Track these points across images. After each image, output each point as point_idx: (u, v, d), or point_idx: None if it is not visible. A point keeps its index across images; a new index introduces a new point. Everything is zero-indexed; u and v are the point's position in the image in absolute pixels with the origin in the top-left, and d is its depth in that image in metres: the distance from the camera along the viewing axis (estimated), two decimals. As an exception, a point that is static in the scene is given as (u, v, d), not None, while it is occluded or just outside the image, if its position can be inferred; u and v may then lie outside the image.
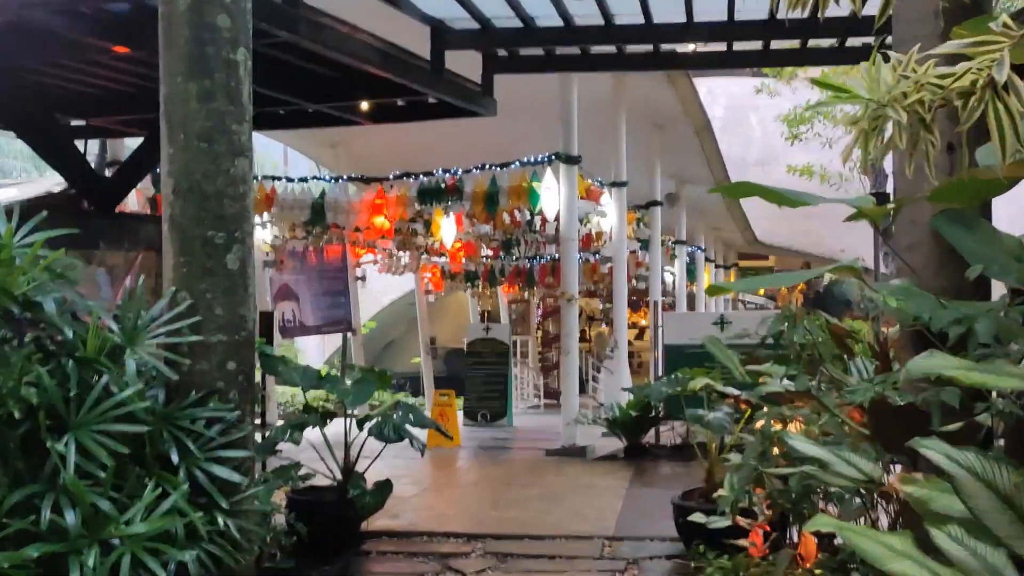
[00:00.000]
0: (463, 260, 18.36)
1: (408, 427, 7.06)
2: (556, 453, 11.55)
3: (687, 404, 8.36)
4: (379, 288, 33.68)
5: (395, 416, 7.16)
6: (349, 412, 7.34)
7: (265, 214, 12.31)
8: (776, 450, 5.27)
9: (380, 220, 12.09)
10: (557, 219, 11.69)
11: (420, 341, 20.82)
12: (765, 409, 6.11)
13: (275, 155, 34.56)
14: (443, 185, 11.86)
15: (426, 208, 12.00)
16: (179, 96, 4.21)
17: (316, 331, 17.50)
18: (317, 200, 12.04)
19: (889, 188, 24.10)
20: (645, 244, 16.86)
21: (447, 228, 13.80)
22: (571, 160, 11.64)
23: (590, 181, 12.60)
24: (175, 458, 3.91)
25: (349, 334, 18.59)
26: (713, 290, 4.14)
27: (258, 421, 14.51)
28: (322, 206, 12.02)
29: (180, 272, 4.24)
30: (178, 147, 4.23)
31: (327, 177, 12.61)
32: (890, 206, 4.35)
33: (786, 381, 6.38)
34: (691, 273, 21.31)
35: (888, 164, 24.61)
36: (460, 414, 16.43)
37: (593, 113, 13.36)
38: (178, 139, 4.22)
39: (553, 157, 11.64)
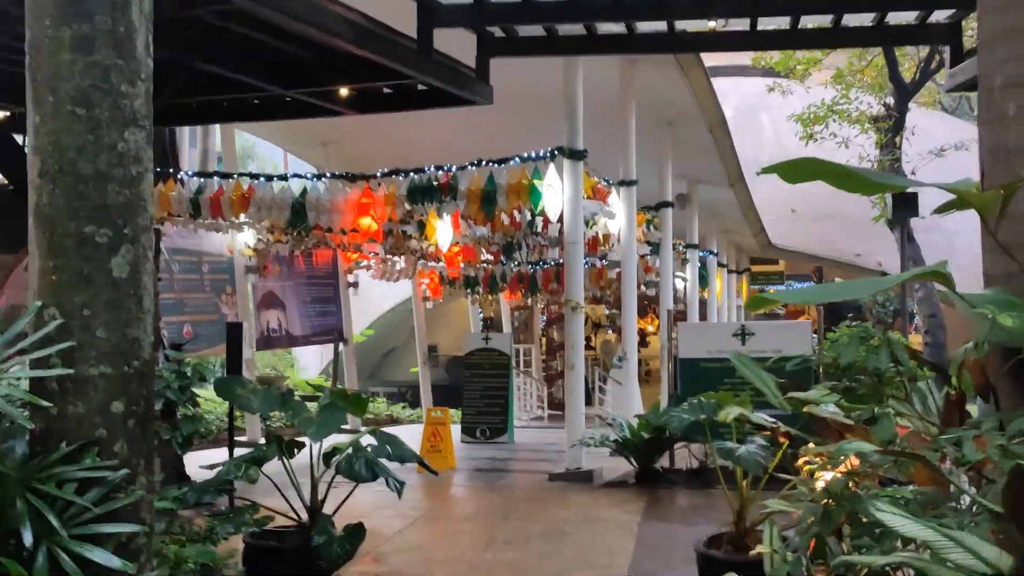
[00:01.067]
0: (461, 265, 17.28)
1: (384, 463, 5.96)
2: (560, 478, 10.45)
3: (710, 427, 7.31)
4: (378, 294, 32.58)
5: (368, 449, 6.07)
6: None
7: (242, 215, 11.23)
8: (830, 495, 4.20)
9: (367, 221, 11.01)
10: (560, 220, 10.59)
11: (417, 350, 19.74)
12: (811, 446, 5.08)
13: (275, 158, 33.45)
14: (436, 183, 10.77)
15: (417, 208, 10.91)
16: (47, 44, 3.14)
17: (304, 341, 16.43)
18: (298, 199, 10.98)
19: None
20: (655, 248, 15.75)
21: (443, 231, 12.71)
22: (576, 155, 10.56)
23: (596, 179, 11.51)
24: (28, 538, 2.83)
25: (340, 345, 17.53)
26: (756, 303, 3.23)
27: (244, 437, 13.35)
28: (303, 206, 10.95)
29: (48, 280, 3.16)
30: (46, 113, 3.15)
31: (309, 175, 11.54)
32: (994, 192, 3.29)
33: (832, 407, 5.34)
34: (702, 279, 20.18)
35: (908, 165, 23.47)
36: (457, 429, 15.36)
37: (600, 108, 12.28)
38: (46, 102, 3.15)
39: (556, 152, 10.55)
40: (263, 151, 38.29)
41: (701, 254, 19.63)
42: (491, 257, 16.87)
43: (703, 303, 21.50)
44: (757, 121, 32.35)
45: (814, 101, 26.88)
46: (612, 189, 12.43)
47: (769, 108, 32.13)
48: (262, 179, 11.44)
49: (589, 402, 20.98)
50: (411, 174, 10.95)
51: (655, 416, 7.60)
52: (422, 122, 14.47)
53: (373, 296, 33.66)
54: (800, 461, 5.30)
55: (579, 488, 9.97)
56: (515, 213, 11.98)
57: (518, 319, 25.52)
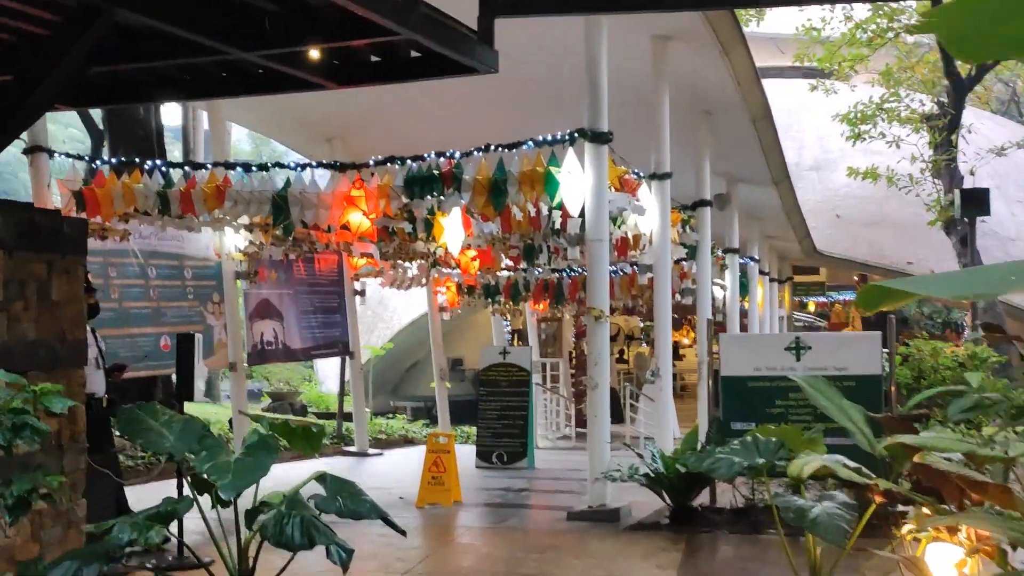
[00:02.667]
0: (478, 273, 15.74)
1: (321, 525, 4.37)
2: (581, 517, 8.87)
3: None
4: (401, 305, 31.13)
5: (312, 503, 4.53)
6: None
7: (216, 211, 9.77)
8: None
9: (357, 217, 9.53)
10: (582, 215, 9.05)
11: (434, 365, 18.22)
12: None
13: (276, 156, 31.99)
14: (436, 172, 9.27)
15: (415, 202, 9.41)
16: None
17: (305, 355, 14.99)
18: (279, 193, 9.51)
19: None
20: (691, 252, 14.12)
21: (451, 230, 11.19)
22: (599, 138, 9.00)
23: (624, 168, 9.94)
24: None
25: (347, 359, 16.06)
26: (872, 297, 2.06)
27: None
28: (285, 200, 9.48)
29: None
30: None
31: (292, 164, 10.05)
32: None
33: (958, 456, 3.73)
34: (742, 287, 18.49)
35: (964, 165, 21.67)
36: (472, 451, 13.81)
37: (628, 92, 10.72)
38: None
39: (576, 135, 9.00)
40: (272, 154, 36.75)
41: (741, 260, 17.95)
42: (511, 263, 15.29)
43: (742, 314, 19.81)
44: (798, 124, 30.68)
45: (861, 100, 25.32)
46: (643, 183, 10.87)
47: (811, 110, 30.52)
48: (239, 169, 9.98)
49: (620, 420, 19.39)
50: (408, 162, 9.44)
51: (696, 459, 6.02)
52: (438, 113, 12.99)
53: (395, 308, 32.31)
54: (905, 530, 3.71)
55: (602, 531, 8.38)
56: (531, 208, 10.45)
57: (545, 331, 23.92)
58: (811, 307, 40.14)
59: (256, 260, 12.62)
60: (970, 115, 25.20)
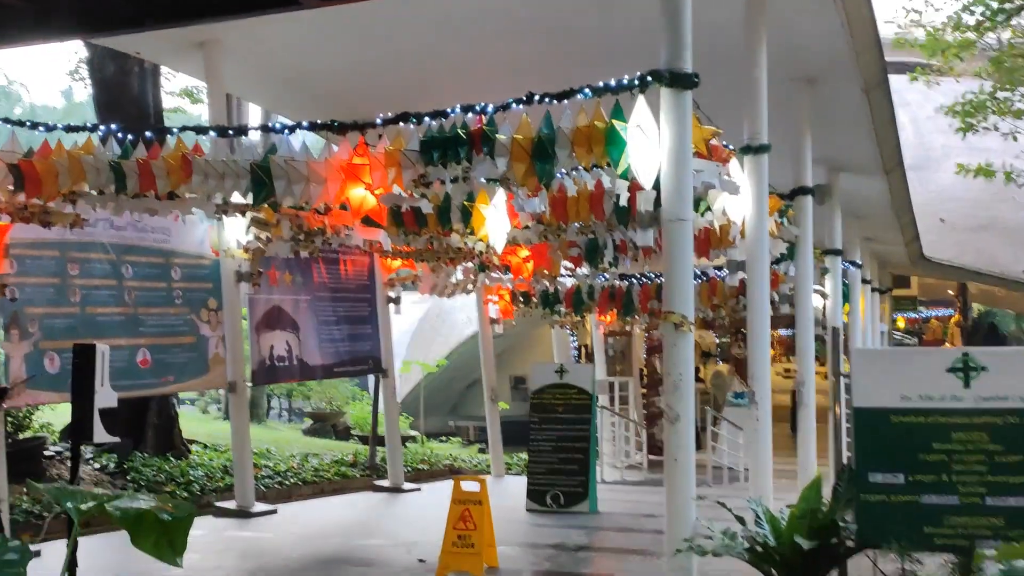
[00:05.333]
0: (532, 276, 13.34)
1: None
2: (656, 599, 6.44)
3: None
4: (461, 317, 28.89)
5: None
6: None
7: (183, 188, 7.54)
8: None
9: (358, 192, 7.25)
10: (657, 188, 6.61)
11: (484, 385, 15.88)
12: None
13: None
14: (462, 132, 6.92)
15: (434, 171, 7.08)
16: None
17: (326, 373, 12.73)
18: (260, 163, 7.25)
19: None
20: (789, 251, 11.55)
21: (494, 220, 8.84)
22: (681, 80, 6.54)
23: (714, 129, 7.46)
24: None
25: (381, 378, 13.77)
26: None
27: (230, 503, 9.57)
28: (267, 171, 7.22)
29: None
30: None
31: (278, 125, 7.73)
32: None
33: None
34: (844, 296, 15.80)
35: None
36: (524, 488, 11.40)
37: (713, 51, 8.20)
38: None
39: (649, 78, 6.55)
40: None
41: (843, 265, 15.28)
42: (571, 264, 12.79)
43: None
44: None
45: (970, 89, 22.69)
46: (733, 155, 8.42)
47: (908, 105, 27.76)
48: (213, 134, 7.76)
49: (699, 446, 16.77)
50: (426, 119, 7.10)
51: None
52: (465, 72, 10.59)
53: (455, 321, 30.07)
54: None
55: (688, 627, 5.94)
56: (586, 178, 8.01)
57: (613, 346, 21.39)
58: (900, 323, 37.08)
59: (257, 257, 10.38)
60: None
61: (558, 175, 10.03)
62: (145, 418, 12.23)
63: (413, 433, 23.81)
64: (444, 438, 25.11)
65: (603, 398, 18.95)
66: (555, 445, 11.37)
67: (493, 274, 14.34)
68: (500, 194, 9.18)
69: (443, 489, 13.71)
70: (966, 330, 34.90)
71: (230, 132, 7.78)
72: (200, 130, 7.84)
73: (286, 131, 7.62)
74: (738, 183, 8.25)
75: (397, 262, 13.31)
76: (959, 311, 36.20)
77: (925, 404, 6.11)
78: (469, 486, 7.69)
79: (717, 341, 26.60)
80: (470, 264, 13.35)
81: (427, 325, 30.63)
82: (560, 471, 11.27)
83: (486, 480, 7.84)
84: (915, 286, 34.75)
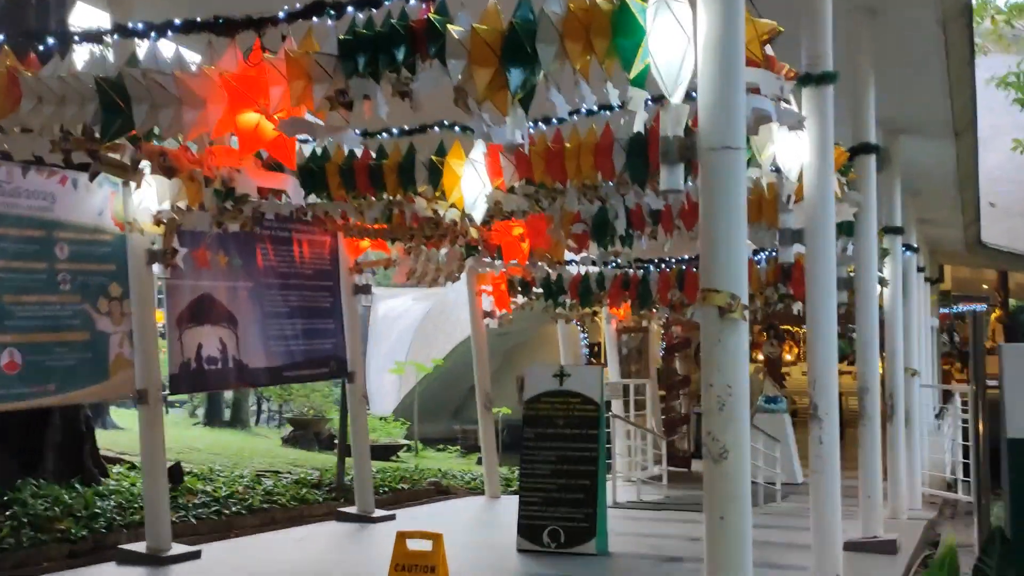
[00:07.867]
0: (528, 260, 10.98)
1: None
2: None
3: None
4: (464, 314, 26.67)
5: None
6: None
7: (11, 117, 5.23)
8: None
9: (251, 117, 4.94)
10: (689, 100, 4.27)
11: (477, 391, 13.56)
12: None
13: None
14: (399, 26, 4.62)
15: (357, 83, 4.75)
16: None
17: (272, 378, 10.40)
18: (112, 79, 4.92)
19: None
20: (847, 226, 9.13)
21: (469, 179, 6.57)
22: (728, -65, 4.21)
23: (771, 24, 5.11)
24: None
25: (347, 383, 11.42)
26: None
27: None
28: (122, 89, 4.91)
29: None
30: None
31: (139, 25, 5.37)
32: None
33: None
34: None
35: None
36: (512, 523, 9.05)
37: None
38: None
39: (679, -61, 4.20)
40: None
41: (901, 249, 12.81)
42: (575, 245, 10.37)
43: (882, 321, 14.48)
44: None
45: (1021, 60, 20.46)
46: (796, 76, 6.07)
47: (951, 80, 25.23)
48: (53, 43, 5.42)
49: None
50: (348, 9, 4.79)
51: None
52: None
53: (458, 317, 27.76)
54: None
55: None
56: (586, 93, 5.66)
57: (627, 344, 18.96)
58: (934, 322, 34.70)
59: (171, 230, 8.06)
60: None
61: (555, 118, 7.83)
62: (43, 436, 9.89)
63: (407, 442, 21.53)
64: (443, 446, 22.79)
65: (616, 404, 16.60)
66: (554, 468, 9.01)
67: (484, 259, 12.05)
68: (479, 146, 6.93)
69: (422, 516, 11.45)
70: (1011, 327, 32.38)
71: (75, 38, 5.44)
72: (31, 36, 5.51)
73: (152, 34, 5.28)
74: (803, 116, 5.91)
75: (365, 242, 11.01)
76: (999, 305, 33.71)
77: None
78: (416, 544, 5.34)
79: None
80: (456, 247, 11.01)
81: (429, 324, 28.50)
82: (560, 501, 8.91)
83: (440, 538, 5.46)
84: (948, 278, 32.24)
